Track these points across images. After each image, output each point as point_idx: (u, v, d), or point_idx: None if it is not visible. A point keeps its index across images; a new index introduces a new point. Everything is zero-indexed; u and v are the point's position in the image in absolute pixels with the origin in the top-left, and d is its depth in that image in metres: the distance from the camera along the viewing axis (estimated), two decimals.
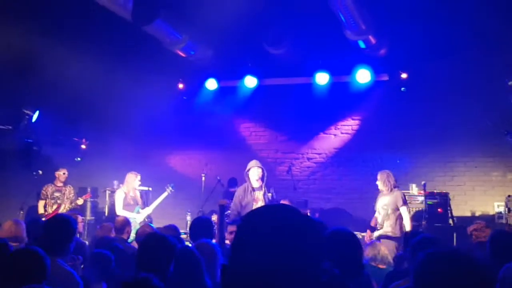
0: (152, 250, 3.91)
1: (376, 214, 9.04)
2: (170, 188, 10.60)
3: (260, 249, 1.54)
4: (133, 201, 10.36)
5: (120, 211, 10.05)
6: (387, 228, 8.64)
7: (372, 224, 9.03)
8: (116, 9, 8.64)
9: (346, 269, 2.83)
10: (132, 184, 10.42)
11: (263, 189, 9.39)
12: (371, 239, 8.48)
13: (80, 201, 10.69)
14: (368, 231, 8.90)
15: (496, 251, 4.42)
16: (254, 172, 9.44)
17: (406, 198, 9.03)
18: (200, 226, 6.05)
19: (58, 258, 4.11)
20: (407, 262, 4.86)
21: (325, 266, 1.60)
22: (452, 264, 2.18)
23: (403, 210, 8.70)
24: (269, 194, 9.38)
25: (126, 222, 7.59)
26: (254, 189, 9.40)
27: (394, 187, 8.84)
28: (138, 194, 10.56)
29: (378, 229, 8.77)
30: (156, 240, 4.02)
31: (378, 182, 9.01)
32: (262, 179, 9.42)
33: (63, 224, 4.22)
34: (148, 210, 10.37)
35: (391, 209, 8.70)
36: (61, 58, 9.93)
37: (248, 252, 1.56)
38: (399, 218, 8.69)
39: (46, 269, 3.74)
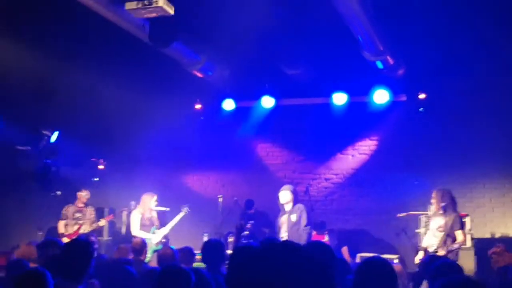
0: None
1: (429, 236, 8.47)
2: (186, 209, 10.59)
3: None
4: (149, 221, 10.38)
5: (137, 232, 10.05)
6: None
7: (425, 245, 8.43)
8: (134, 31, 8.71)
9: None
10: (148, 204, 10.43)
11: (291, 212, 9.41)
12: None
13: (102, 223, 10.73)
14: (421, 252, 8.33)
15: None
16: (281, 195, 9.53)
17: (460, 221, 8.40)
18: (211, 249, 6.01)
19: (79, 285, 4.09)
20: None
21: None
22: None
23: (459, 235, 8.16)
24: (293, 216, 9.32)
25: (144, 244, 7.60)
26: (284, 213, 9.50)
27: (451, 207, 8.30)
28: (154, 214, 10.56)
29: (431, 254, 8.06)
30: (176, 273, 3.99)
31: (432, 201, 8.54)
32: (292, 202, 9.42)
33: (80, 249, 4.20)
34: (164, 230, 10.37)
35: (447, 233, 8.14)
36: (80, 80, 10.05)
37: None
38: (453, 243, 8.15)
39: None
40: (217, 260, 5.93)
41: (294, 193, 9.60)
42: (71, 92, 10.33)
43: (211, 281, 4.24)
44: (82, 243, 4.33)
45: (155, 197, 10.50)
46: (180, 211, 10.62)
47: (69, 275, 4.07)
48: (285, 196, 9.48)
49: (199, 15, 8.88)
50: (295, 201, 9.53)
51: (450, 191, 8.55)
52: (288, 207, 9.46)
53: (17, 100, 10.19)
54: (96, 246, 7.39)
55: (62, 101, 10.40)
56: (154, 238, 10.09)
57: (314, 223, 10.48)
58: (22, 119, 10.36)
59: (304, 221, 9.30)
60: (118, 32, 8.73)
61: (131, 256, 7.36)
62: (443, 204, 8.30)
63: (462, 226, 8.35)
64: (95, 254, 4.29)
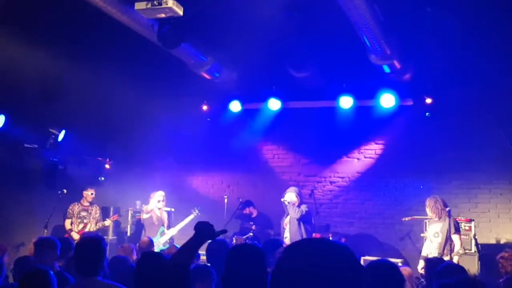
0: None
1: (427, 242, 8.84)
2: (197, 211, 10.58)
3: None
4: (158, 221, 10.40)
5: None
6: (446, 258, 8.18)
7: (424, 254, 8.80)
8: (143, 31, 8.75)
9: None
10: (156, 201, 10.50)
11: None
12: None
13: (107, 222, 10.79)
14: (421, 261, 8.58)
15: None
16: (286, 197, 9.65)
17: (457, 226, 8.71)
18: (216, 249, 6.04)
19: (97, 277, 4.19)
20: None
21: None
22: None
23: (455, 239, 8.45)
24: (296, 210, 9.37)
25: (151, 244, 7.64)
26: (288, 214, 9.66)
27: (445, 213, 8.56)
28: (164, 214, 10.57)
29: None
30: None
31: (426, 209, 8.87)
32: (295, 204, 9.51)
33: (94, 244, 4.30)
34: (173, 231, 10.38)
35: (444, 238, 8.44)
36: (87, 79, 10.08)
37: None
38: (453, 247, 8.39)
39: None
40: (222, 261, 5.94)
41: (299, 195, 9.67)
42: (79, 91, 10.36)
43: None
44: (92, 240, 4.43)
45: (161, 193, 10.54)
46: (190, 212, 10.65)
47: (85, 272, 4.18)
48: (290, 197, 9.56)
49: (208, 17, 8.90)
50: (300, 203, 9.60)
51: (442, 198, 8.91)
52: (291, 208, 9.59)
53: (25, 98, 10.23)
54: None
55: (70, 100, 10.43)
56: (162, 239, 10.11)
57: (319, 226, 10.53)
58: (29, 117, 10.40)
59: (303, 208, 9.54)
60: (126, 33, 8.76)
61: (134, 256, 7.39)
62: (437, 211, 8.65)
63: (457, 230, 8.62)
64: (106, 246, 4.39)
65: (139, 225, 11.48)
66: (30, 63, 9.33)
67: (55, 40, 9.22)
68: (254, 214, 11.23)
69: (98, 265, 4.24)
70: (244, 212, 11.20)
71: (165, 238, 10.19)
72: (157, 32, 8.25)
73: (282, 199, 9.65)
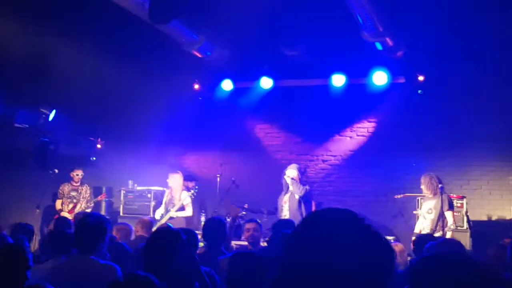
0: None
1: (420, 220, 8.89)
2: (192, 191, 10.44)
3: (320, 257, 1.47)
4: (168, 203, 10.24)
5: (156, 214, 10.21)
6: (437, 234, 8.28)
7: (417, 231, 8.83)
8: (133, 9, 8.66)
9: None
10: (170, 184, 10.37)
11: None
12: None
13: (92, 203, 10.76)
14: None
15: None
16: (287, 173, 9.49)
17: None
18: (213, 227, 6.06)
19: (90, 256, 4.14)
20: None
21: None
22: (449, 269, 1.99)
23: (448, 215, 8.54)
24: (296, 196, 9.34)
25: (152, 223, 7.71)
26: (287, 192, 9.50)
27: (439, 190, 8.66)
28: (183, 197, 10.34)
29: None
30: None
31: (421, 186, 8.93)
32: (298, 181, 9.40)
33: (94, 223, 4.26)
34: (171, 212, 10.26)
35: (437, 214, 8.52)
36: (78, 58, 10.00)
37: (307, 259, 1.48)
38: (445, 224, 8.50)
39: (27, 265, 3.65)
40: (218, 238, 5.97)
41: (301, 172, 9.57)
42: (70, 70, 10.28)
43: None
44: (95, 218, 4.38)
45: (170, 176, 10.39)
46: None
47: (81, 250, 4.18)
48: (292, 174, 9.43)
49: None
50: (301, 179, 9.49)
51: (437, 175, 8.97)
52: (292, 185, 9.41)
53: (15, 78, 10.14)
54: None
55: (60, 79, 10.35)
56: (162, 220, 10.01)
57: None
58: (20, 97, 10.33)
59: (307, 187, 9.41)
60: (117, 10, 8.67)
61: (138, 233, 7.40)
62: (432, 187, 8.72)
63: (451, 206, 8.70)
64: (110, 228, 4.36)
65: (132, 204, 11.49)
66: (19, 42, 9.23)
67: (44, 18, 9.14)
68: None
69: (95, 244, 4.18)
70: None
71: (164, 220, 10.10)
72: (149, 8, 8.16)
73: (284, 176, 9.53)
